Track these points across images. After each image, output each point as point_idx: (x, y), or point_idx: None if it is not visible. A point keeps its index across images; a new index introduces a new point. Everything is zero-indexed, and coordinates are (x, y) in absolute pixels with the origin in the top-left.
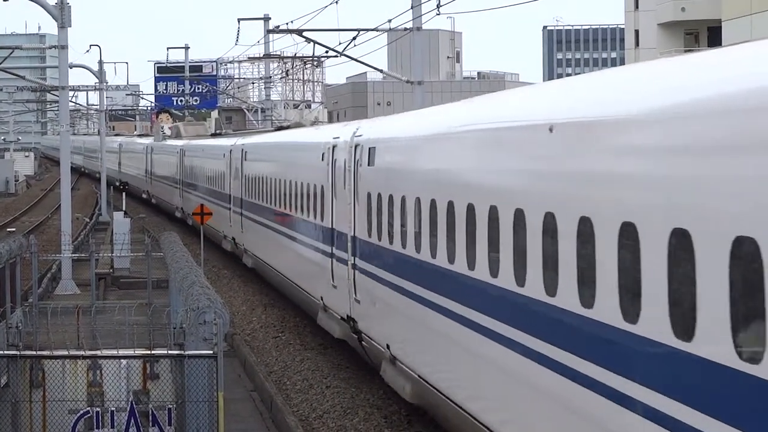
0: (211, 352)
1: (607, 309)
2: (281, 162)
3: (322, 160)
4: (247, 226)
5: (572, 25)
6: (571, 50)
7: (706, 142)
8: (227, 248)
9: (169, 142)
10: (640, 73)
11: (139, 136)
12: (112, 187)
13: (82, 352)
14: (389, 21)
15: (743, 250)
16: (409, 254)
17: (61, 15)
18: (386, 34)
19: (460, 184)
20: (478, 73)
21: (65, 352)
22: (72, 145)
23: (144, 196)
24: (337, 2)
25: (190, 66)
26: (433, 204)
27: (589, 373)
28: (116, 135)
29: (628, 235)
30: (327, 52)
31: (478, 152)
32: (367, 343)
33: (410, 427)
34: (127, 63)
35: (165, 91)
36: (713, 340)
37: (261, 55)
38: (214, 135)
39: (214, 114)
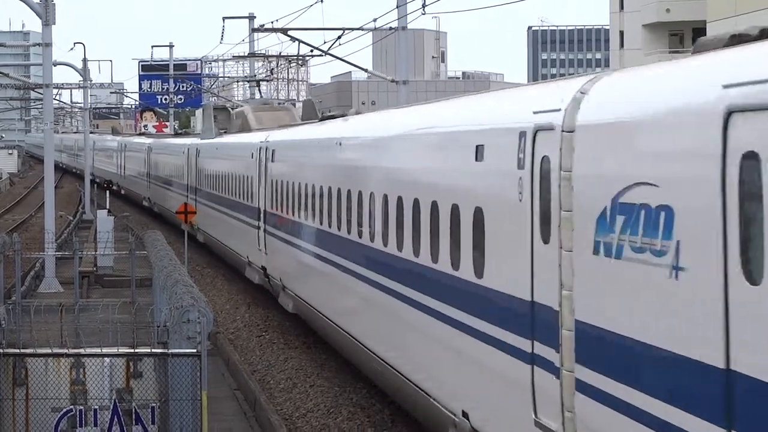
0: (195, 350)
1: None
2: None
3: None
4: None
5: (557, 26)
6: (556, 51)
7: None
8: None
9: (230, 138)
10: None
11: (175, 135)
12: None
13: (65, 351)
14: (374, 20)
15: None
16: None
17: (46, 12)
18: (371, 33)
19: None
20: (463, 73)
21: (48, 351)
22: (77, 145)
23: (184, 227)
24: (322, 1)
25: (174, 64)
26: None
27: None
28: (141, 134)
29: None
30: (312, 51)
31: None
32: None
33: (393, 426)
34: (111, 61)
35: (149, 90)
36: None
37: (246, 54)
38: (324, 118)
39: (199, 113)
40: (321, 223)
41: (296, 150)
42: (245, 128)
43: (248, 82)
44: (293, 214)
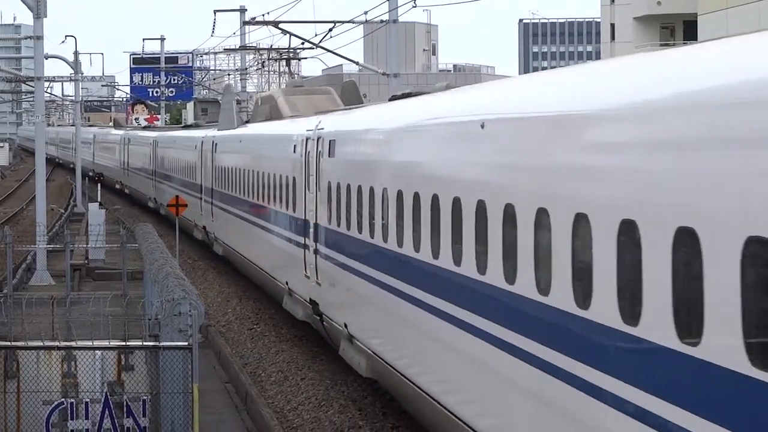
0: (186, 343)
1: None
2: None
3: None
4: None
5: (548, 19)
6: (547, 43)
7: None
8: None
9: (258, 128)
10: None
11: (184, 127)
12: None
13: (56, 343)
14: (365, 13)
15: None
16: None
17: (37, 5)
18: (362, 26)
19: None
20: (454, 66)
21: (40, 343)
22: (74, 139)
23: (201, 237)
24: None
25: (165, 57)
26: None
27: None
28: (145, 128)
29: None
30: (303, 43)
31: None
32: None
33: (385, 419)
34: (102, 54)
35: (140, 83)
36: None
37: (237, 47)
38: (397, 97)
39: (190, 106)
40: (436, 257)
41: (380, 141)
42: (275, 116)
43: (239, 74)
44: (378, 238)
